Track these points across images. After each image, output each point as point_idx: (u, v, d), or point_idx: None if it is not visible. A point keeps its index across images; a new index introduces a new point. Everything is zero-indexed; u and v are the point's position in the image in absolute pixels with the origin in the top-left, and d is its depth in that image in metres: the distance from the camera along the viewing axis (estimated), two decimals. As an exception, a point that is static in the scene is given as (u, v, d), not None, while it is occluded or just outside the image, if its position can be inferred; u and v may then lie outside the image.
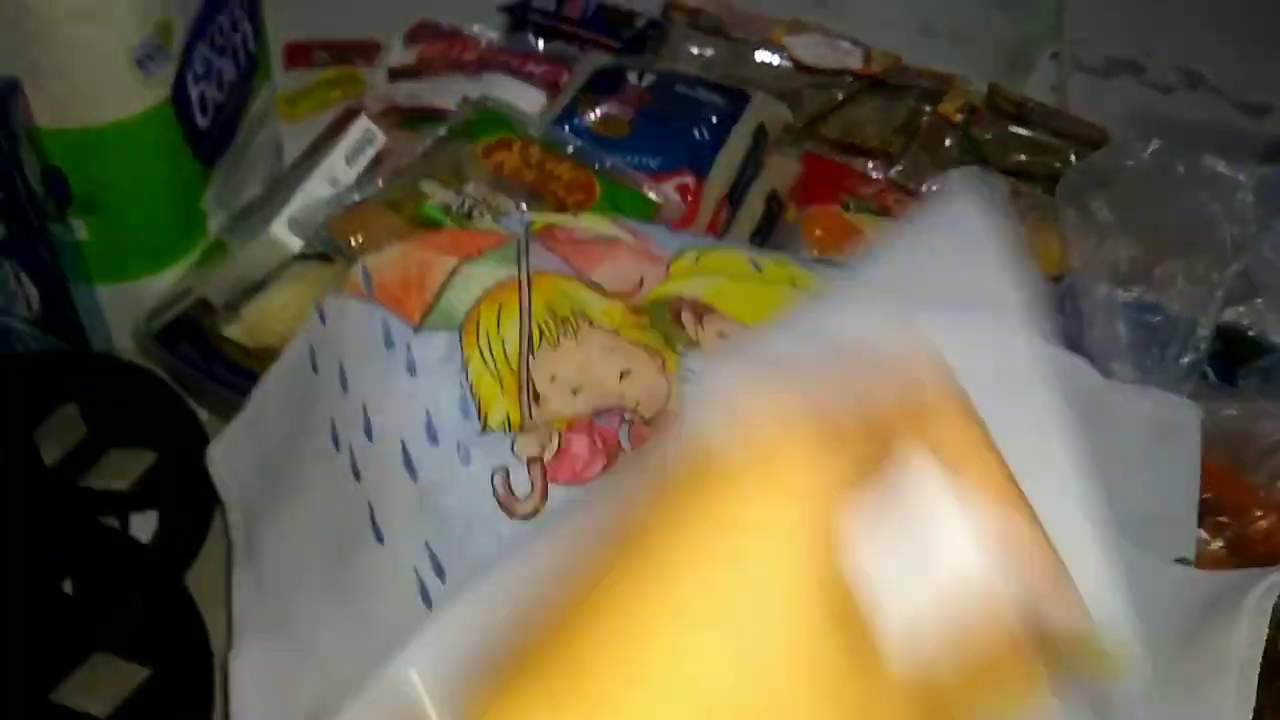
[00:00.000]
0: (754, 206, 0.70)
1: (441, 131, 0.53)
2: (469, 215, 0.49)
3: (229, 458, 0.48)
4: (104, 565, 0.48)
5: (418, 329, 0.43)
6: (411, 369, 0.42)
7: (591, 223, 0.47)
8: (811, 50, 0.87)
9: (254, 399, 0.47)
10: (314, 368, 0.44)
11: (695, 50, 0.86)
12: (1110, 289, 0.54)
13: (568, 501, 0.39)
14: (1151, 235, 0.55)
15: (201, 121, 0.57)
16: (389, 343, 0.43)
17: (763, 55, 0.86)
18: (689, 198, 0.61)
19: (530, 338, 0.42)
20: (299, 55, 0.85)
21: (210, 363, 0.54)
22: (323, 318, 0.45)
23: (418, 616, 0.38)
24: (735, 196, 0.66)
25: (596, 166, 0.55)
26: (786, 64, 0.86)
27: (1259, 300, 0.53)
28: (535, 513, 0.38)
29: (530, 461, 0.39)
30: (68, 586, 0.47)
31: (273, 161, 0.72)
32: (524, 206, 0.50)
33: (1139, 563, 0.43)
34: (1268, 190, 0.53)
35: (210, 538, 0.52)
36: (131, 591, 0.46)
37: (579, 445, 0.40)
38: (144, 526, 0.51)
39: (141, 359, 0.57)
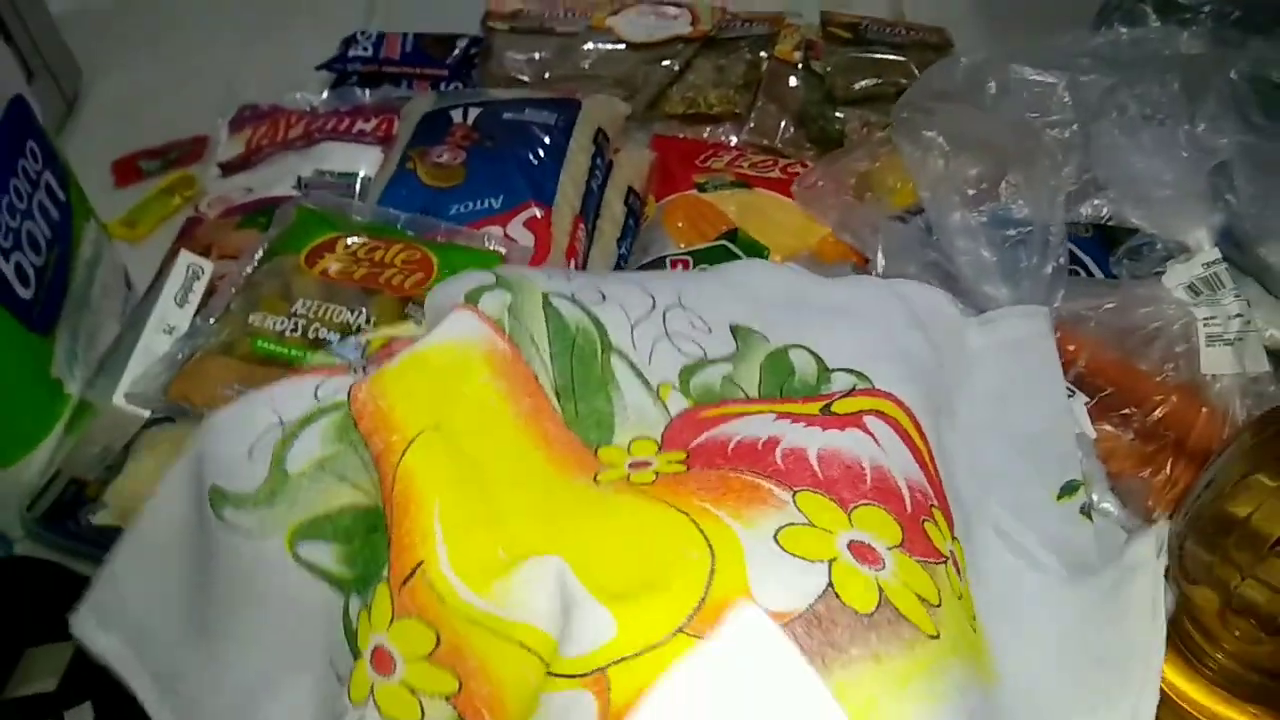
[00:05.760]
0: (614, 210, 0.68)
1: (261, 250, 0.50)
2: (305, 335, 0.47)
3: None
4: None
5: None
6: None
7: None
8: (637, 25, 0.85)
9: None
10: None
11: (521, 57, 0.83)
12: (963, 212, 0.54)
13: None
14: (987, 152, 0.54)
15: (24, 293, 0.55)
16: None
17: (591, 45, 0.83)
18: (538, 231, 0.59)
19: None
20: (127, 171, 0.82)
21: (103, 537, 0.52)
22: None
23: None
24: (589, 210, 0.65)
25: (429, 237, 0.53)
26: (618, 47, 0.84)
27: (1109, 191, 0.53)
28: None
29: None
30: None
31: (123, 294, 0.70)
32: (363, 311, 0.47)
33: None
34: (1080, 88, 0.53)
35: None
36: (81, 797, 0.45)
37: None
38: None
39: (36, 548, 0.55)
